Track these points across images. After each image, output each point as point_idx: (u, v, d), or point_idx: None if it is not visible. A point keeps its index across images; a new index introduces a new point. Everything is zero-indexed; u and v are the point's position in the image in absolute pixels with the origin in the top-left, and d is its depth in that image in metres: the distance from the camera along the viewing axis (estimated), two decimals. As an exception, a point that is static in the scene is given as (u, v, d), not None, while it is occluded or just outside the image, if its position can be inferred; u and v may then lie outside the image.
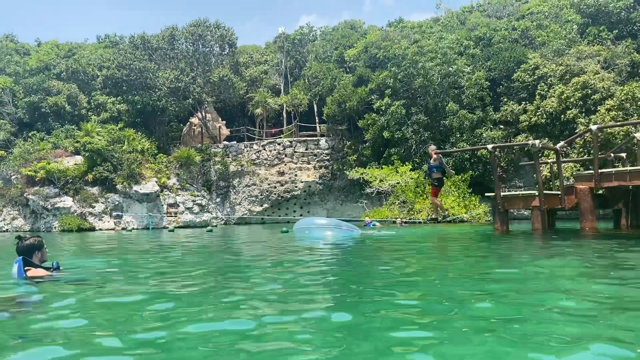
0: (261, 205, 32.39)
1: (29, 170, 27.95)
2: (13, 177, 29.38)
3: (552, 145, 18.81)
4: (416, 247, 10.27)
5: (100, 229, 27.19)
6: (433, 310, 3.61)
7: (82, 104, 34.44)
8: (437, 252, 9.44)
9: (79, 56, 37.30)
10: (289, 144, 33.31)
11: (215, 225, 29.15)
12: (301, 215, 32.31)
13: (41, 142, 31.22)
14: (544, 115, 25.43)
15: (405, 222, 22.04)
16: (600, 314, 3.36)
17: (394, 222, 22.50)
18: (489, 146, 13.51)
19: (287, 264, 7.06)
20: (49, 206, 27.33)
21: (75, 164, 29.00)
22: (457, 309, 3.53)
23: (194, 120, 36.23)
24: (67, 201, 27.54)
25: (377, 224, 20.68)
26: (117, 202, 28.05)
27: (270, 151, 33.33)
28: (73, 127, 32.39)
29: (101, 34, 46.55)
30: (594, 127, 12.99)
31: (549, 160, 16.89)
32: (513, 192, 17.17)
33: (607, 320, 3.18)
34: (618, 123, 20.39)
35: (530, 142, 13.05)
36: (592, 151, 22.35)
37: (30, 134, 32.48)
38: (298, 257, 8.20)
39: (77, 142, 29.26)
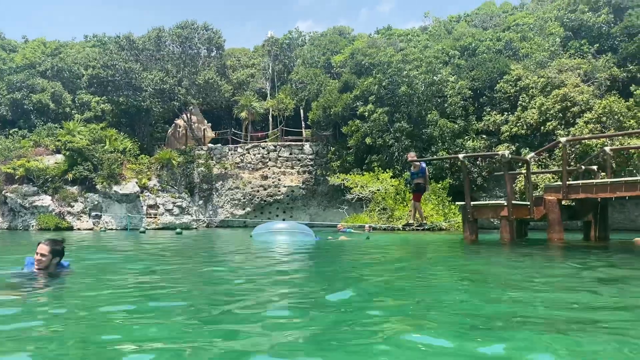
0: (244, 209, 32.31)
1: (8, 168, 27.69)
2: (-8, 174, 29.07)
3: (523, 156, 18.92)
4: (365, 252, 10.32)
5: (79, 229, 26.98)
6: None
7: (66, 103, 34.25)
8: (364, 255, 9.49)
9: (64, 54, 37.13)
10: (273, 148, 33.30)
11: (196, 228, 29.04)
12: (284, 219, 32.27)
13: (22, 139, 30.97)
14: (525, 126, 25.64)
15: (375, 228, 22.09)
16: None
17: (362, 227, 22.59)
18: (460, 155, 13.61)
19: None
20: (27, 204, 27.09)
21: (56, 163, 28.77)
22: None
23: (179, 122, 36.13)
24: (45, 200, 27.31)
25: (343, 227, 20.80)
26: (96, 202, 27.86)
27: (255, 155, 33.30)
28: (56, 125, 32.18)
29: (90, 33, 46.27)
30: (562, 140, 13.13)
31: (523, 171, 17.02)
32: (483, 202, 17.26)
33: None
34: (586, 136, 20.65)
35: (500, 152, 13.14)
36: (570, 163, 22.64)
37: (11, 132, 32.21)
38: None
39: (59, 140, 29.08)
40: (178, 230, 21.91)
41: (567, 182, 13.21)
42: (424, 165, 14.05)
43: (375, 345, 2.80)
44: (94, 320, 3.57)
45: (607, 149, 14.33)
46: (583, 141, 21.97)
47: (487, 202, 17.36)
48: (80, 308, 3.96)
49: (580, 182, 13.45)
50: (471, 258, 9.10)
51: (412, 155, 14.41)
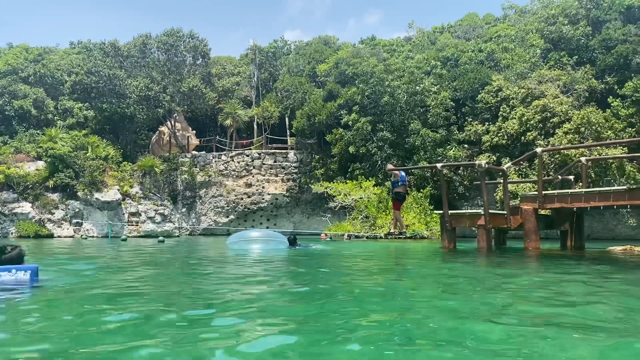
0: (227, 217, 32.22)
1: (-13, 175, 27.34)
2: (-29, 181, 28.65)
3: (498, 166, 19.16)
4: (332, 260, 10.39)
5: (59, 236, 26.68)
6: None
7: (48, 109, 33.97)
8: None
9: (47, 61, 36.86)
10: (258, 155, 33.31)
11: (178, 236, 28.88)
12: (267, 227, 32.23)
13: (3, 146, 30.64)
14: (506, 136, 25.97)
15: (356, 237, 22.19)
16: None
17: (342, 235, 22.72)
18: (438, 165, 13.78)
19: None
20: (7, 211, 26.75)
21: (37, 170, 28.47)
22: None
23: (164, 129, 36.02)
24: (25, 207, 26.99)
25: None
26: (77, 210, 27.59)
27: (239, 162, 33.26)
28: (37, 131, 31.89)
29: (75, 40, 45.95)
30: (538, 150, 13.35)
31: (501, 181, 17.22)
32: (461, 211, 17.44)
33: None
34: (562, 146, 21.04)
35: (477, 162, 13.32)
36: (550, 172, 22.97)
37: (-8, 138, 31.89)
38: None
39: (40, 147, 28.80)
40: (160, 238, 21.81)
41: (543, 192, 13.42)
42: (403, 174, 14.23)
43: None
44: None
45: (583, 159, 14.60)
46: (563, 151, 22.33)
47: (464, 211, 17.54)
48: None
49: (555, 191, 13.68)
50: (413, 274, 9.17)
51: (390, 167, 14.66)
